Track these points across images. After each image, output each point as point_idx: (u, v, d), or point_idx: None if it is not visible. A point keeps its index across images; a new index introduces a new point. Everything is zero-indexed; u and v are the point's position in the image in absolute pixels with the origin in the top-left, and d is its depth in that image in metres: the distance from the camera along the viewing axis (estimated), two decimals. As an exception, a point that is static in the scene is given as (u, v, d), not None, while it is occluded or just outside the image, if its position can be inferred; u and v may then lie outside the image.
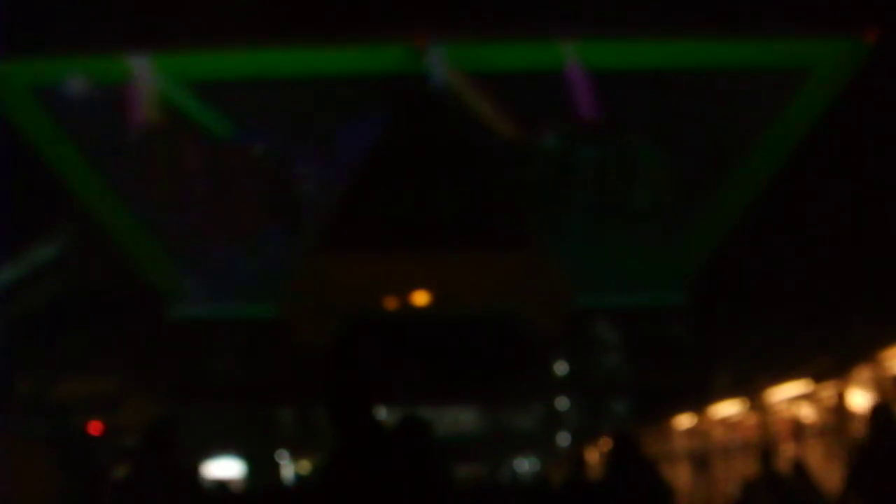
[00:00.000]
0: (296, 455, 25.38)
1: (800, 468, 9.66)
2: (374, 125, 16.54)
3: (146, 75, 14.80)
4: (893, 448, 6.11)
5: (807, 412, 12.66)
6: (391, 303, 18.56)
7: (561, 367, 27.21)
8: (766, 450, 9.95)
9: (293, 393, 21.83)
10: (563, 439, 28.71)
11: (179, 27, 14.47)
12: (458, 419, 28.42)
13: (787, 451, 12.20)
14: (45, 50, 14.62)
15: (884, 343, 10.36)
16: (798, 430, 12.73)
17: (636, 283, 18.23)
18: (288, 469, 25.05)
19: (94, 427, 16.83)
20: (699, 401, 16.60)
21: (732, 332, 17.29)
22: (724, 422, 15.72)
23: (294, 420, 25.31)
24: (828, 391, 11.76)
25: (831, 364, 11.46)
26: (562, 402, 28.55)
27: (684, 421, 17.63)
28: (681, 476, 17.11)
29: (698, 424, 16.87)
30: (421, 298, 18.27)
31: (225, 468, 23.10)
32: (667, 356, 20.66)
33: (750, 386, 14.18)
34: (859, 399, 11.07)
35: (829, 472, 11.37)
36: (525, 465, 31.22)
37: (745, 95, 14.97)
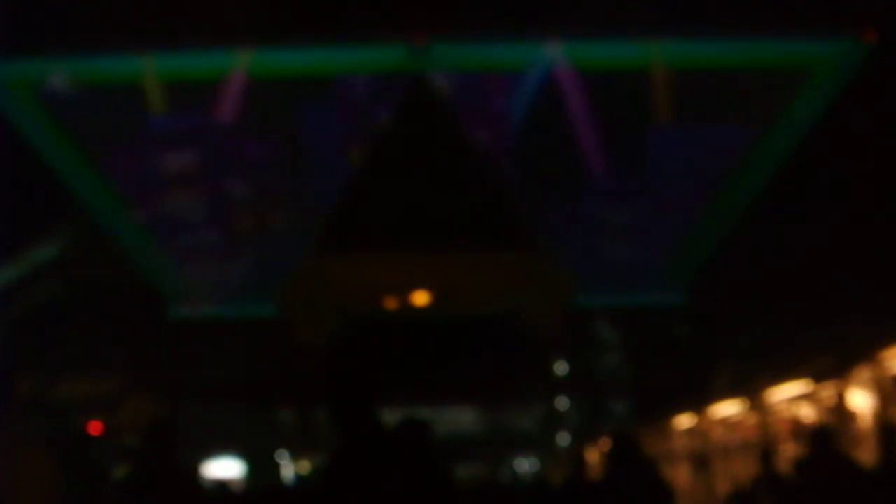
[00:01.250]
0: (296, 455, 25.39)
1: (800, 468, 9.65)
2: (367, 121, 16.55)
3: None
4: (832, 472, 6.17)
5: (807, 412, 12.66)
6: (391, 303, 18.53)
7: (561, 367, 27.24)
8: (766, 450, 9.96)
9: (293, 393, 21.85)
10: (563, 439, 28.73)
11: (179, 26, 14.46)
12: (458, 419, 28.41)
13: (787, 451, 12.20)
14: (45, 50, 14.62)
15: (884, 343, 10.36)
16: (798, 430, 12.73)
17: (636, 284, 18.22)
18: (288, 469, 25.06)
19: (94, 427, 16.82)
20: (699, 401, 16.60)
21: (732, 332, 17.29)
22: (724, 422, 15.72)
23: (294, 420, 25.31)
24: (828, 391, 11.77)
25: (831, 364, 11.47)
26: (562, 402, 28.57)
27: (684, 421, 17.63)
28: (681, 476, 17.12)
29: (698, 424, 16.87)
30: (421, 298, 18.24)
31: (225, 468, 23.11)
32: (667, 356, 20.68)
33: (750, 386, 14.18)
34: (859, 399, 11.08)
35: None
36: (525, 465, 31.22)
37: (744, 95, 14.96)
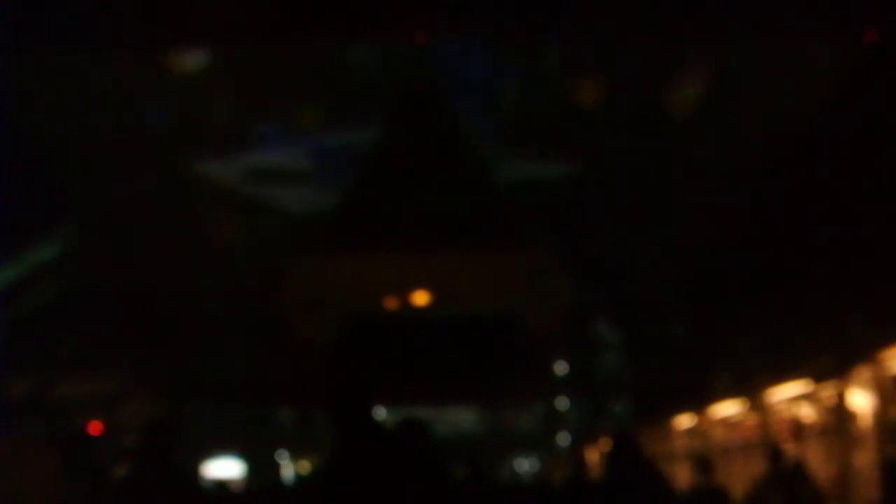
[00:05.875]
0: (296, 455, 25.39)
1: (800, 468, 9.68)
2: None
3: None
4: (634, 482, 5.92)
5: (807, 412, 12.67)
6: (391, 302, 18.55)
7: (561, 367, 27.19)
8: (774, 449, 9.97)
9: (293, 393, 21.83)
10: (563, 439, 28.71)
11: (178, 26, 14.45)
12: (458, 419, 28.40)
13: (787, 451, 12.20)
14: (47, 49, 14.60)
15: (884, 343, 10.37)
16: (798, 430, 12.74)
17: (636, 283, 18.25)
18: (288, 469, 25.06)
19: (94, 427, 16.82)
20: (699, 401, 16.61)
21: (732, 332, 17.27)
22: (724, 422, 15.73)
23: (294, 420, 25.31)
24: (828, 391, 11.78)
25: (831, 364, 11.47)
26: (562, 402, 28.53)
27: (684, 421, 17.64)
28: (681, 476, 17.12)
29: (698, 424, 16.88)
30: (421, 298, 18.26)
31: (225, 468, 23.12)
32: (667, 356, 20.64)
33: (750, 386, 14.19)
34: (859, 399, 11.09)
35: (828, 472, 11.36)
36: (525, 465, 31.22)
37: (743, 95, 14.95)
